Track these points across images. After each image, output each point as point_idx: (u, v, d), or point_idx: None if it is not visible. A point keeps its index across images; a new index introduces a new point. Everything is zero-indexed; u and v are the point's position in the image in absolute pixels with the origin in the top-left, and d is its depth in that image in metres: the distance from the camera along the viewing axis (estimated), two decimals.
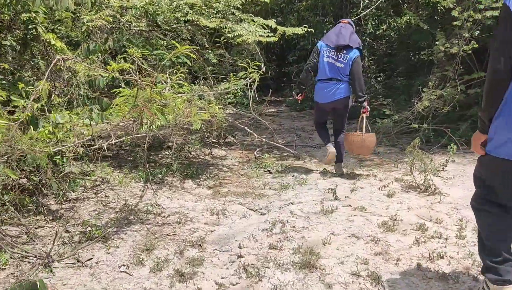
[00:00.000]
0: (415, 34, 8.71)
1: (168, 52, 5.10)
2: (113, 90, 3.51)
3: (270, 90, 6.85)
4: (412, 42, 10.12)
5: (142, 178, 4.82)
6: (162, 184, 4.78)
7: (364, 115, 4.98)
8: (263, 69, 5.22)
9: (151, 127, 3.58)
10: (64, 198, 4.05)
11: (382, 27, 10.98)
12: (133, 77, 3.14)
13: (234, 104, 9.94)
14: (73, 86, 4.31)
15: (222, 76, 8.48)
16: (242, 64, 4.53)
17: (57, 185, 3.54)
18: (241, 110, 9.89)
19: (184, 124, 4.19)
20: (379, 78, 11.18)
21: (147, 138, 4.16)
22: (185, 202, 4.25)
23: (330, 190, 4.30)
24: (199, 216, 3.87)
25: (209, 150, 5.98)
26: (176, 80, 4.05)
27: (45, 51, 3.98)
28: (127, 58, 4.46)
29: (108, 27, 5.19)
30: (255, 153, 6.37)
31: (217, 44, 7.07)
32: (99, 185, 4.65)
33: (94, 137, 3.65)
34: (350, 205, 4.05)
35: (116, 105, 3.35)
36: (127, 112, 3.11)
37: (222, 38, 5.76)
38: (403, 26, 10.20)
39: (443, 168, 5.02)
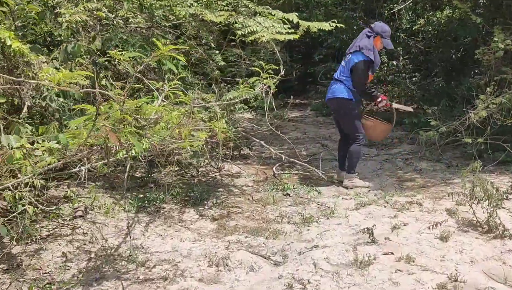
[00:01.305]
0: (459, 28, 7.62)
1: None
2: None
3: (291, 96, 5.87)
4: (452, 38, 9.02)
5: (133, 206, 3.97)
6: (157, 214, 3.92)
7: (381, 105, 4.78)
8: (282, 72, 4.30)
9: (129, 154, 2.71)
10: (29, 239, 3.23)
11: (419, 22, 9.86)
12: (93, 90, 2.27)
13: (254, 108, 9.04)
14: (42, 97, 3.49)
15: (241, 79, 7.64)
16: (255, 68, 3.62)
17: (5, 229, 2.71)
18: (261, 115, 8.99)
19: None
20: (414, 79, 10.12)
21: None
22: (180, 243, 3.37)
23: (365, 230, 3.34)
24: (194, 267, 2.98)
25: (218, 167, 5.06)
26: (174, 87, 3.20)
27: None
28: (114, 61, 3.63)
29: (95, 23, 4.37)
30: (273, 169, 5.45)
31: (232, 43, 6.21)
32: (80, 216, 3.82)
33: (67, 160, 2.82)
34: (392, 253, 3.09)
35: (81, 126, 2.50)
36: (84, 139, 2.24)
37: (237, 35, 4.89)
38: (443, 20, 9.08)
39: (507, 196, 3.99)
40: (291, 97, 5.23)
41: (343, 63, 4.75)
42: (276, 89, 4.12)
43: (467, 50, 9.09)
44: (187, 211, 4.03)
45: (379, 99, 4.63)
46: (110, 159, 2.58)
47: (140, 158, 3.56)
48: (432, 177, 5.11)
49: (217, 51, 4.49)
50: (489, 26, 5.42)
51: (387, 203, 4.20)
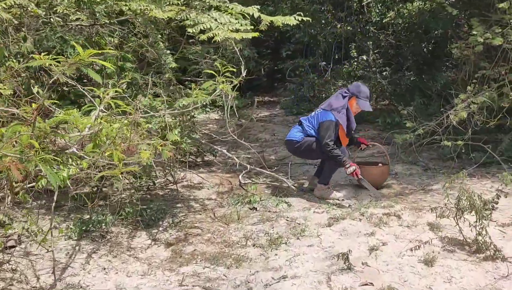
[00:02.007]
0: (430, 21, 7.32)
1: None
2: None
3: (255, 98, 5.41)
4: (423, 31, 8.73)
5: (75, 232, 3.44)
6: (103, 241, 3.40)
7: (349, 173, 4.18)
8: (244, 73, 3.84)
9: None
10: None
11: (389, 15, 9.55)
12: None
13: (222, 108, 8.50)
14: None
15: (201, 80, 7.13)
16: (209, 71, 3.14)
17: None
18: (229, 115, 8.50)
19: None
20: (384, 73, 9.82)
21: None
22: (125, 278, 2.88)
23: (340, 255, 2.91)
24: None
25: (175, 181, 4.55)
26: (120, 94, 2.71)
27: None
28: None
29: (30, 22, 3.81)
30: (239, 177, 4.98)
31: (192, 40, 5.70)
32: (12, 247, 3.28)
33: None
34: (371, 283, 2.68)
35: None
36: None
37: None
38: (414, 12, 8.78)
39: (494, 206, 3.63)
40: (254, 99, 4.75)
41: (313, 113, 4.48)
42: (235, 91, 3.71)
43: (439, 43, 8.84)
44: (138, 235, 3.53)
45: (347, 165, 4.10)
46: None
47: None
48: (409, 183, 4.75)
49: (168, 51, 3.97)
50: (464, 18, 5.08)
51: (363, 215, 3.81)
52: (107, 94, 2.91)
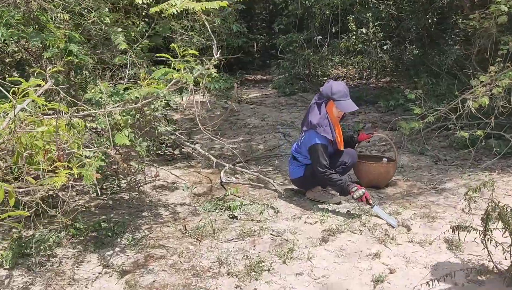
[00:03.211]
0: None
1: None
2: None
3: (235, 87, 4.71)
4: (427, 1, 7.91)
5: (7, 260, 2.76)
6: (41, 270, 2.73)
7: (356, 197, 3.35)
8: (217, 55, 3.10)
9: None
10: None
11: None
12: None
13: (208, 89, 7.72)
14: None
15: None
16: (164, 55, 2.42)
17: None
18: (216, 97, 7.76)
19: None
20: (385, 47, 9.05)
21: None
22: None
23: None
24: None
25: (138, 187, 3.86)
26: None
27: None
28: None
29: None
30: (221, 175, 4.29)
31: (163, 14, 4.92)
32: None
33: None
34: None
35: None
36: None
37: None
38: None
39: None
40: (235, 84, 4.01)
41: (299, 138, 3.77)
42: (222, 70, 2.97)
43: (444, 14, 8.06)
44: (88, 259, 2.86)
45: (353, 189, 3.32)
46: None
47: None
48: (417, 179, 4.07)
49: (118, 28, 3.21)
50: None
51: (364, 226, 3.15)
52: (32, 87, 2.22)
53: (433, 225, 3.06)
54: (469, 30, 4.70)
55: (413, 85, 7.74)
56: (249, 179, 4.32)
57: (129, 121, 2.55)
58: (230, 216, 3.46)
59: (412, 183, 3.98)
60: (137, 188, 3.66)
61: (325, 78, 9.37)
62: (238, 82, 9.23)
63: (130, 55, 3.63)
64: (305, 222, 3.25)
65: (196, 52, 2.61)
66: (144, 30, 4.78)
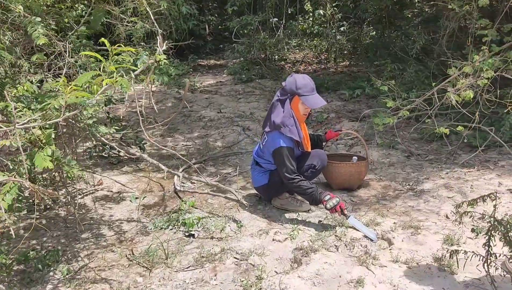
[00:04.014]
0: None
1: None
2: None
3: (187, 84, 4.19)
4: None
5: None
6: None
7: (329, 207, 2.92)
8: (163, 48, 2.58)
9: None
10: None
11: None
12: None
13: (157, 81, 7.11)
14: None
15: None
16: (89, 53, 1.89)
17: None
18: (167, 87, 7.16)
19: None
20: (341, 29, 8.71)
21: None
22: None
23: None
24: None
25: (74, 207, 3.30)
26: None
27: None
28: None
29: None
30: (174, 182, 3.77)
31: None
32: None
33: None
34: None
35: None
36: None
37: None
38: None
39: None
40: (187, 82, 3.45)
41: (261, 141, 3.29)
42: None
43: None
44: None
45: (325, 198, 2.91)
46: None
47: None
48: (391, 178, 3.73)
49: (36, 18, 2.59)
50: None
51: (340, 240, 2.75)
52: None
53: (417, 238, 2.70)
54: (431, 12, 4.38)
55: (373, 69, 7.48)
56: (207, 183, 3.84)
57: (52, 136, 2.00)
58: (186, 234, 2.98)
59: (387, 184, 3.63)
60: (73, 205, 3.09)
61: (282, 62, 8.95)
62: (191, 68, 8.64)
63: (63, 45, 3.04)
64: (273, 239, 2.82)
65: (133, 49, 2.08)
66: (83, 15, 4.17)
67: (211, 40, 10.90)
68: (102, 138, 2.96)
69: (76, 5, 4.31)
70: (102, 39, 2.03)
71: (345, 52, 8.97)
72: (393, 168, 3.91)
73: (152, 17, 2.51)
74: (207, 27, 10.56)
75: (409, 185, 3.54)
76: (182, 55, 9.26)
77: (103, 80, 1.75)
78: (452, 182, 3.43)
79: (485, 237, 2.06)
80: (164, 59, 4.31)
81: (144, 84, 2.77)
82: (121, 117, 5.07)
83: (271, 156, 3.13)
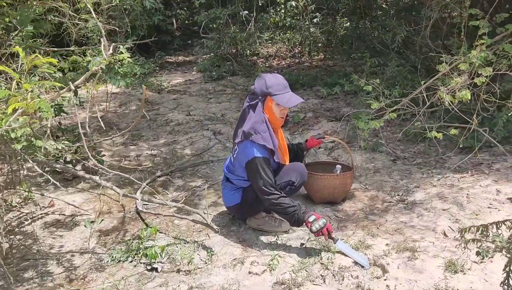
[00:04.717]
0: None
1: None
2: None
3: (145, 92, 3.77)
4: None
5: None
6: None
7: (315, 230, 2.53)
8: (109, 51, 2.14)
9: None
10: None
11: None
12: None
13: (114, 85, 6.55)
14: None
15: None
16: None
17: None
18: (133, 88, 6.66)
19: None
20: (314, 20, 8.36)
21: None
22: None
23: None
24: None
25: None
26: None
27: None
28: None
29: None
30: (136, 203, 3.30)
31: None
32: None
33: None
34: None
35: None
36: None
37: None
38: None
39: None
40: (144, 88, 3.02)
41: (232, 153, 2.89)
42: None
43: None
44: None
45: (309, 219, 2.52)
46: None
47: None
48: (378, 187, 3.37)
49: None
50: None
51: (327, 269, 2.38)
52: None
53: (415, 264, 2.35)
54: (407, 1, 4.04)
55: (350, 63, 7.14)
56: (174, 200, 3.42)
57: None
58: (148, 267, 2.56)
59: (373, 194, 3.27)
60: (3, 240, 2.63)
61: (255, 57, 8.53)
62: (157, 66, 8.13)
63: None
64: (249, 272, 2.42)
65: (55, 61, 1.63)
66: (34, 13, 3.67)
67: (179, 35, 10.37)
68: (43, 158, 2.50)
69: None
70: (17, 48, 1.58)
71: (319, 44, 8.62)
72: (379, 175, 3.56)
73: (94, 14, 2.06)
74: (174, 21, 10.04)
75: (398, 195, 3.19)
76: (149, 52, 8.73)
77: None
78: (445, 191, 3.09)
79: (504, 275, 1.70)
80: (128, 57, 3.86)
81: (88, 92, 2.34)
82: (81, 125, 4.57)
83: (244, 170, 2.73)
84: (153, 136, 4.90)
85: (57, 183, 2.71)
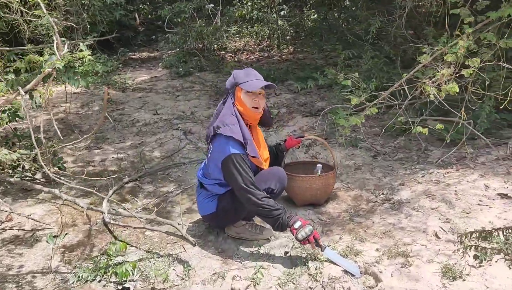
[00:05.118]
0: None
1: None
2: None
3: (107, 95, 3.50)
4: None
5: None
6: None
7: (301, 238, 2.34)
8: (63, 52, 1.88)
9: None
10: None
11: None
12: None
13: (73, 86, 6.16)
14: None
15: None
16: None
17: None
18: (96, 87, 6.30)
19: None
20: (282, 13, 8.20)
21: None
22: None
23: None
24: None
25: None
26: None
27: None
28: None
29: None
30: (104, 214, 3.02)
31: None
32: None
33: None
34: None
35: None
36: None
37: None
38: None
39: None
40: (106, 90, 2.73)
41: (207, 156, 2.66)
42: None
43: None
44: None
45: (294, 225, 2.33)
46: None
47: None
48: (361, 186, 3.22)
49: None
50: None
51: (316, 281, 2.20)
52: None
53: (410, 271, 2.19)
54: None
55: (321, 55, 7.00)
56: (144, 208, 3.17)
57: None
58: (119, 287, 2.32)
59: (357, 193, 3.12)
60: None
61: (222, 51, 8.28)
62: (121, 64, 7.77)
63: None
64: (232, 289, 2.21)
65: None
66: None
67: (143, 30, 10.00)
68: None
69: None
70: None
71: (288, 37, 8.45)
72: (361, 172, 3.41)
73: (45, 9, 1.80)
74: (137, 16, 9.65)
75: (383, 194, 3.05)
76: (111, 49, 8.35)
77: None
78: (432, 188, 2.96)
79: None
80: (89, 55, 3.56)
81: (42, 97, 2.08)
82: (41, 129, 4.24)
83: (220, 171, 2.51)
84: (119, 138, 4.60)
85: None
